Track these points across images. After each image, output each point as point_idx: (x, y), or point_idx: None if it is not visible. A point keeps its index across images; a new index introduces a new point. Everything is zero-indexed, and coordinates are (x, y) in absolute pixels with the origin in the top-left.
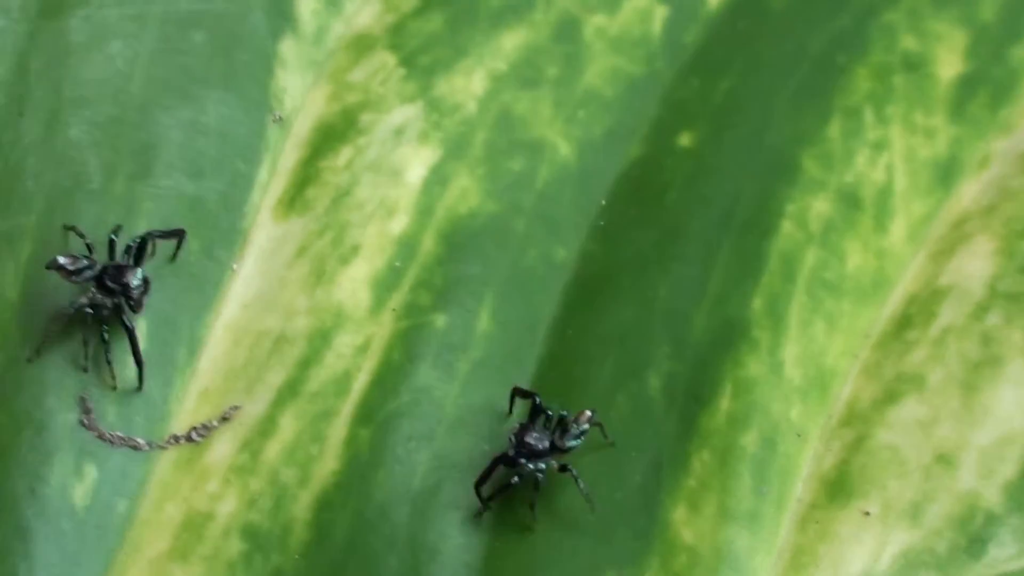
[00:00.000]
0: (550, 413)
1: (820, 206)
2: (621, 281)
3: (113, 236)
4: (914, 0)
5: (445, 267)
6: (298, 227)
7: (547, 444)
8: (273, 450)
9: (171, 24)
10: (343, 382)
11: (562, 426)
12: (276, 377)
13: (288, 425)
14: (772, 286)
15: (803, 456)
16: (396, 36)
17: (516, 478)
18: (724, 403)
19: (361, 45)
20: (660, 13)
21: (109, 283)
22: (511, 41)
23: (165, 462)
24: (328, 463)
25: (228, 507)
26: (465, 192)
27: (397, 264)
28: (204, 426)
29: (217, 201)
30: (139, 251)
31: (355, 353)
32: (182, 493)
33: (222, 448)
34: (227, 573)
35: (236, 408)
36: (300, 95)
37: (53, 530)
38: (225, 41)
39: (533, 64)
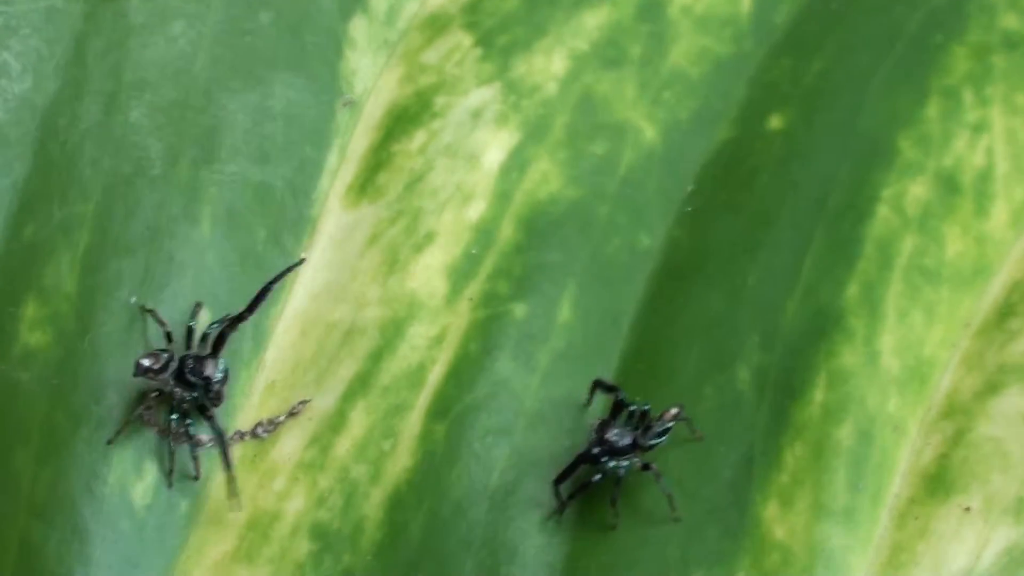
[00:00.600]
0: (633, 408)
1: (917, 190)
2: (709, 269)
3: (192, 324)
4: None
5: (525, 255)
6: (369, 214)
7: (629, 441)
8: (343, 446)
9: (236, 4)
10: (417, 375)
11: (645, 422)
12: (346, 370)
13: (359, 420)
14: (867, 273)
15: (901, 450)
16: (472, 15)
17: (597, 475)
18: (818, 395)
19: (435, 25)
20: None
21: (189, 376)
22: (593, 20)
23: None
24: (401, 459)
25: (296, 505)
26: (545, 177)
27: (474, 252)
28: (270, 421)
29: (284, 187)
30: (218, 339)
31: (430, 344)
32: (247, 491)
33: (289, 444)
34: (296, 574)
35: (304, 402)
36: (371, 77)
37: (111, 531)
38: (293, 21)
39: (616, 44)
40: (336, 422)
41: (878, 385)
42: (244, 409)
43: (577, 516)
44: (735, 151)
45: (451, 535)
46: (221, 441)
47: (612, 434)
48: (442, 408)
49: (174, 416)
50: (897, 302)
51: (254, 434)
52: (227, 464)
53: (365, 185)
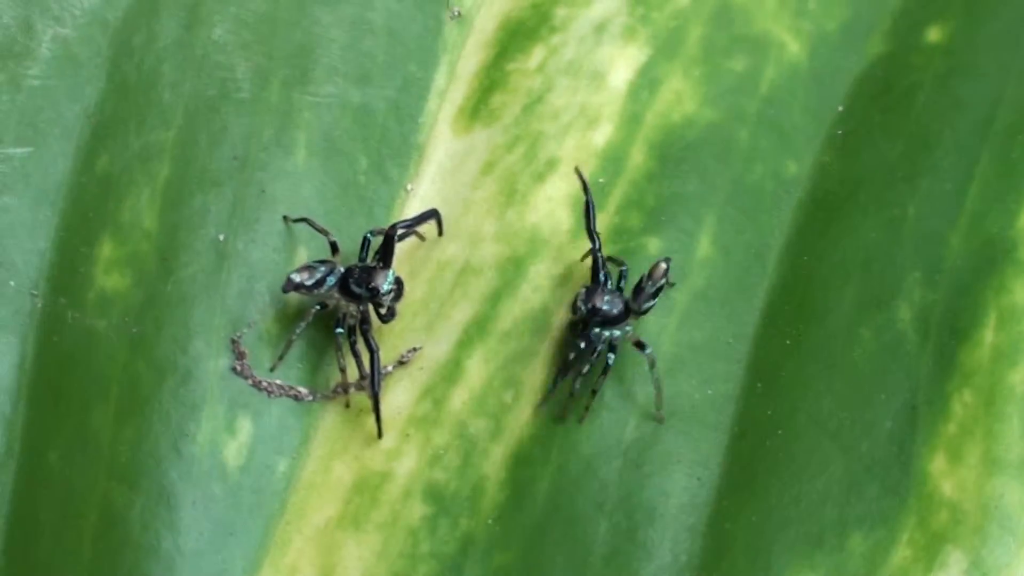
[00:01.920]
0: (607, 272)
1: None
2: (863, 199)
3: (369, 235)
4: None
5: (658, 184)
6: (483, 140)
7: (621, 308)
8: (459, 398)
9: None
10: (541, 318)
11: (637, 284)
12: (461, 314)
13: (477, 369)
14: None
15: None
16: None
17: (594, 355)
18: (988, 335)
19: None
20: None
21: (355, 288)
22: None
23: (332, 414)
24: (525, 412)
25: (408, 465)
26: (679, 97)
27: (601, 180)
28: None
29: (387, 111)
30: (385, 247)
31: (555, 284)
32: (352, 450)
33: (399, 397)
34: (408, 542)
35: (415, 350)
36: None
37: (202, 495)
38: None
39: None
40: (451, 372)
41: None
42: (347, 359)
43: (724, 474)
44: (890, 67)
45: (582, 495)
46: (373, 358)
47: (601, 300)
48: None
49: (339, 330)
50: None
51: (359, 387)
52: (374, 381)
53: (478, 107)
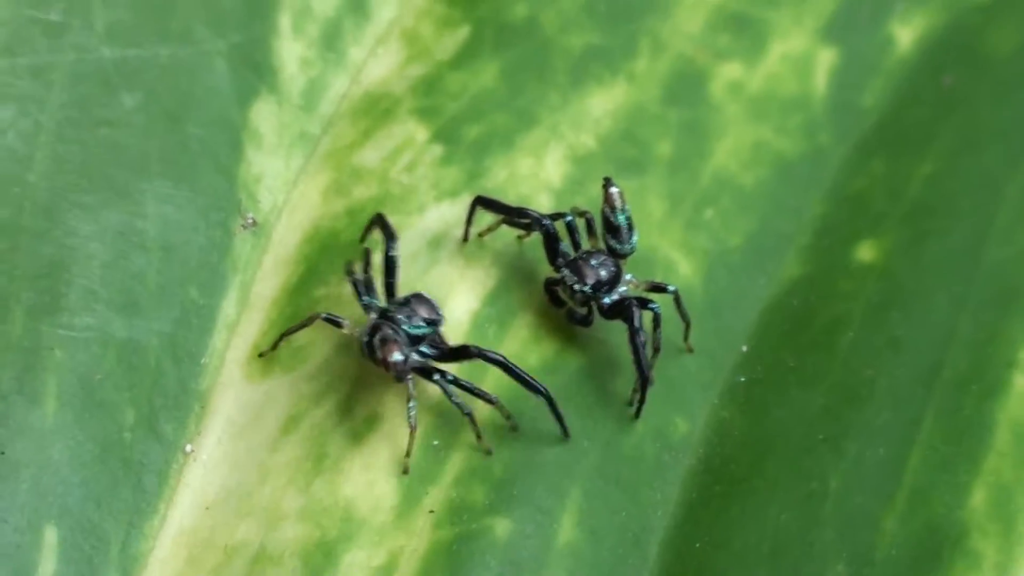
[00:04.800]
0: (549, 228)
1: None
2: (773, 468)
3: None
4: None
5: (508, 447)
6: (284, 388)
7: (613, 261)
8: None
9: (90, 81)
10: None
11: (608, 229)
12: None
13: None
14: (1000, 473)
15: None
16: (428, 96)
17: (636, 313)
18: None
19: (375, 110)
20: (825, 60)
21: (416, 332)
22: (602, 103)
23: None
24: None
25: None
26: (536, 334)
27: (436, 443)
28: None
29: (160, 348)
30: (389, 270)
31: None
32: None
33: None
34: None
35: None
36: (283, 187)
37: None
38: (170, 106)
39: (635, 138)
40: None
41: None
42: None
43: None
44: (808, 295)
45: None
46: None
47: (594, 268)
48: None
49: (438, 378)
50: None
51: None
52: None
53: (277, 345)
